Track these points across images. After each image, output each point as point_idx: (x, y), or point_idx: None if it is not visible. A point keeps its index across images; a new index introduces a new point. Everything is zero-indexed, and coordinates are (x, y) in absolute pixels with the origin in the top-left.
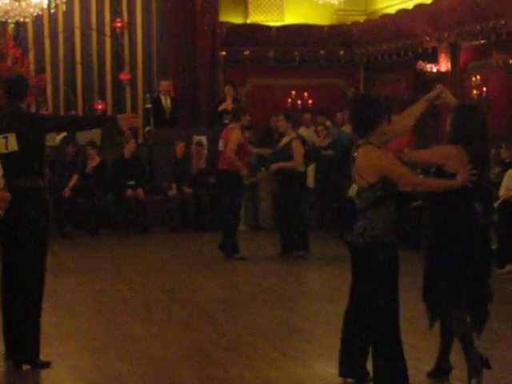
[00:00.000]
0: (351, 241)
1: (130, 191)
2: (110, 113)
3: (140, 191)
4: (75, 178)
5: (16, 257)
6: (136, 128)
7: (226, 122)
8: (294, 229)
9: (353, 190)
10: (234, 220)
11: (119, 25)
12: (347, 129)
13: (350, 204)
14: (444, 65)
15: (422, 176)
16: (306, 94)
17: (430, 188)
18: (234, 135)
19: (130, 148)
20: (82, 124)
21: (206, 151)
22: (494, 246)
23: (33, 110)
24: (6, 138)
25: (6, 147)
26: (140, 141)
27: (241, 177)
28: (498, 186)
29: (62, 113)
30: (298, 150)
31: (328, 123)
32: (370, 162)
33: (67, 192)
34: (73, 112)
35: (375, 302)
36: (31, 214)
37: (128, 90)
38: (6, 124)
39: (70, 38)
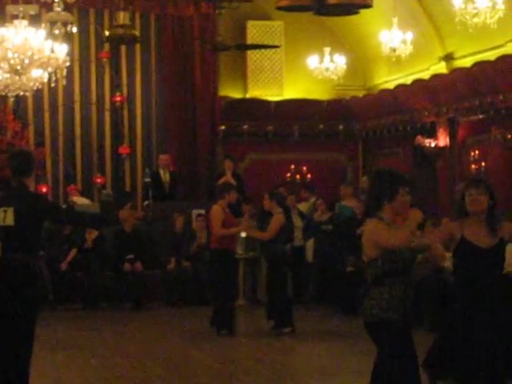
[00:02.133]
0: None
1: (127, 265)
2: (109, 188)
3: (138, 265)
4: (74, 252)
5: (4, 330)
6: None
7: None
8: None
9: None
10: (227, 296)
11: (119, 99)
12: (348, 203)
13: (351, 279)
14: (443, 140)
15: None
16: (304, 168)
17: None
18: (214, 214)
19: (130, 222)
20: (82, 223)
21: (204, 223)
22: None
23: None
24: (5, 211)
25: (4, 221)
26: (139, 215)
27: (232, 254)
28: None
29: (61, 187)
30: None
31: (313, 199)
32: (367, 234)
33: (64, 265)
34: (72, 186)
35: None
36: (18, 288)
37: (127, 163)
38: (7, 198)
39: (69, 112)
